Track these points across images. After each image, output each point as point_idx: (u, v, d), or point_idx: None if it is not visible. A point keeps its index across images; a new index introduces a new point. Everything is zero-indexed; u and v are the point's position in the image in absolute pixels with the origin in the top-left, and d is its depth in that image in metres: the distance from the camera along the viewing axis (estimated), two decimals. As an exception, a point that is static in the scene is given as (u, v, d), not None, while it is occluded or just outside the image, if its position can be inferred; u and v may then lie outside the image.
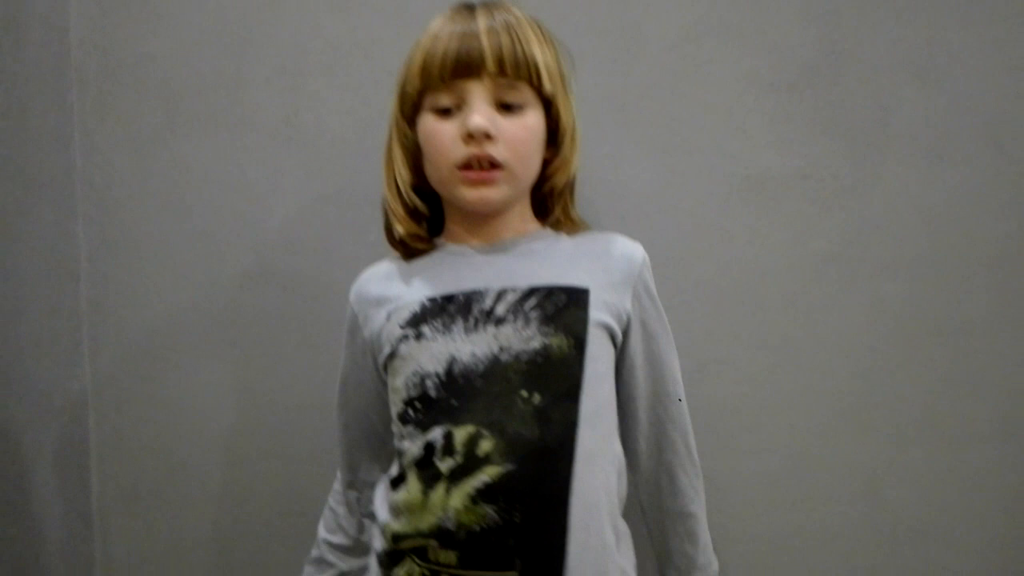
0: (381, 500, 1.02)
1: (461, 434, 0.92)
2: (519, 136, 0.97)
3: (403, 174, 1.04)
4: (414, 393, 0.97)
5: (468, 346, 0.95)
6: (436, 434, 0.94)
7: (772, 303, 1.28)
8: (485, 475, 0.90)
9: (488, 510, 0.90)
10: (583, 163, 1.24)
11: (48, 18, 1.31)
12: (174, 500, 1.37)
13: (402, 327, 0.99)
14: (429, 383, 0.96)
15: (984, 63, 1.25)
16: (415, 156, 1.04)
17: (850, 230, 1.27)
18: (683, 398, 1.07)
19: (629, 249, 1.04)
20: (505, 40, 0.94)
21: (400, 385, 0.98)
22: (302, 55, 1.32)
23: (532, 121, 0.98)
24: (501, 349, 0.94)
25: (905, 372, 1.27)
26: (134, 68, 1.34)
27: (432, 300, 0.99)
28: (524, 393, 0.93)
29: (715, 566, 1.09)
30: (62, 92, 1.33)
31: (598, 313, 0.97)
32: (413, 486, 0.94)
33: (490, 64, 0.94)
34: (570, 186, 1.07)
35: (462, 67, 0.95)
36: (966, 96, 1.25)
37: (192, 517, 1.38)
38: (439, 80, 0.96)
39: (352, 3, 1.31)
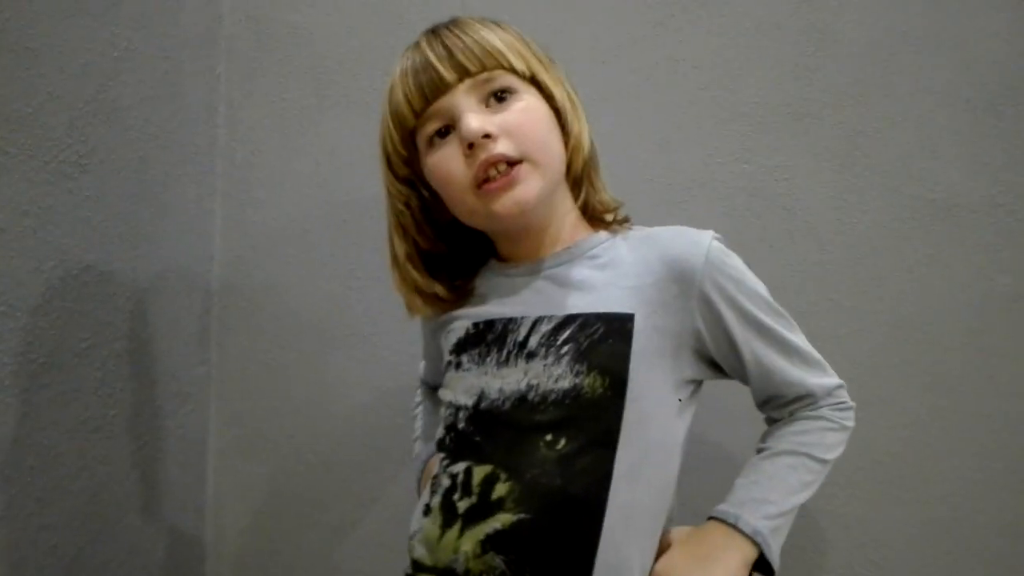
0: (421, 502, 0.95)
1: (479, 473, 0.85)
2: (521, 120, 0.86)
3: (409, 244, 0.95)
4: (448, 422, 0.91)
5: (498, 381, 0.88)
6: (460, 468, 0.87)
7: (949, 342, 1.18)
8: (497, 522, 0.82)
9: (497, 561, 0.81)
10: (753, 172, 1.20)
11: None
12: (289, 495, 1.33)
13: (450, 352, 0.94)
14: (461, 415, 0.90)
15: None
16: (428, 214, 0.95)
17: None
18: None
19: (687, 249, 0.88)
20: (453, 42, 0.87)
21: (442, 411, 0.94)
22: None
23: (530, 101, 0.88)
24: (529, 387, 0.86)
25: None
26: (285, 41, 1.31)
27: (476, 326, 0.92)
28: (548, 437, 0.83)
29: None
30: (211, 63, 1.30)
31: (647, 342, 0.85)
32: (435, 518, 0.87)
33: (451, 72, 0.86)
34: (590, 166, 0.95)
35: (429, 91, 0.87)
36: None
37: (303, 515, 1.33)
38: (414, 117, 0.88)
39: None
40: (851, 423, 0.92)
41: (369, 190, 1.20)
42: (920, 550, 1.18)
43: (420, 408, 1.15)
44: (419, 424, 1.13)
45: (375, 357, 1.29)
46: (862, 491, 1.18)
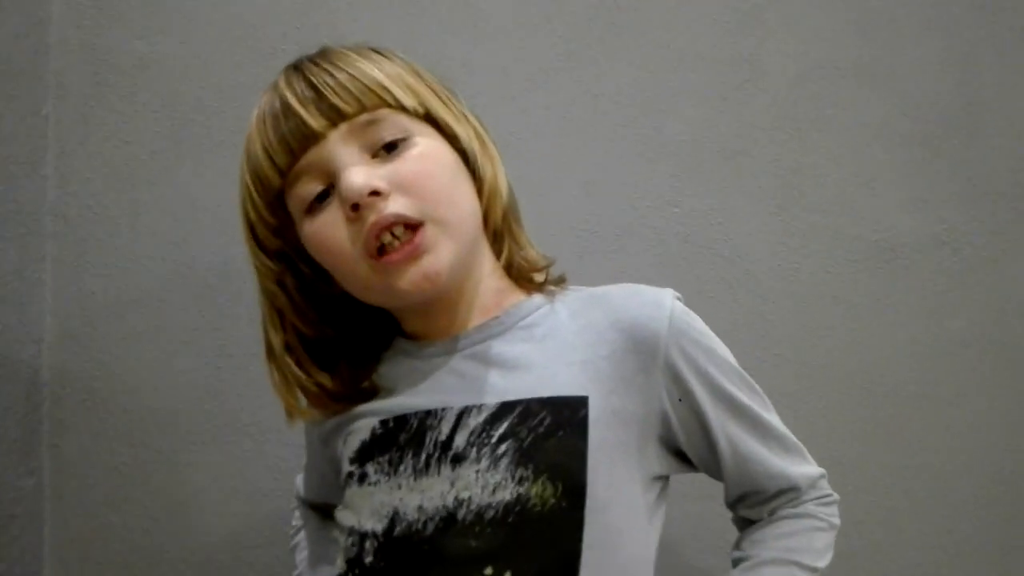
0: None
1: None
2: (415, 170, 0.70)
3: (288, 332, 0.77)
4: (350, 555, 0.74)
5: (416, 497, 0.71)
6: None
7: (901, 393, 1.14)
8: None
9: None
10: (685, 215, 1.14)
11: (25, 6, 1.12)
12: None
13: (351, 461, 0.76)
14: (368, 545, 0.72)
15: None
16: (309, 294, 0.78)
17: (992, 308, 1.14)
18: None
19: (646, 311, 0.74)
20: (322, 79, 0.71)
21: (342, 540, 0.76)
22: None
23: (426, 146, 0.72)
24: (459, 503, 0.69)
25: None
26: (130, 75, 1.16)
27: (384, 424, 0.75)
28: (489, 571, 0.67)
29: None
30: (36, 102, 1.14)
31: (607, 432, 0.71)
32: None
33: (319, 118, 0.70)
34: (511, 216, 0.80)
35: (294, 142, 0.70)
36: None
37: None
38: (279, 176, 0.72)
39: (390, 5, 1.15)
40: (838, 520, 0.79)
41: (241, 248, 1.03)
42: None
43: (300, 535, 0.93)
44: (300, 557, 0.92)
45: (257, 454, 1.12)
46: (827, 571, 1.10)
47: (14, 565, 1.09)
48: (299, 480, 0.93)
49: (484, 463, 0.69)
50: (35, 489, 1.13)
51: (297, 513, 0.95)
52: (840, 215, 1.14)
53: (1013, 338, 1.14)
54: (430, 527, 0.68)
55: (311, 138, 0.69)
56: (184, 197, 1.15)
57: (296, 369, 0.76)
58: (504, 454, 0.69)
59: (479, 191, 0.75)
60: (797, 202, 1.14)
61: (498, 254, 0.78)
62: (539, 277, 0.79)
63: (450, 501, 0.69)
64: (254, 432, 1.12)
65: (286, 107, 0.70)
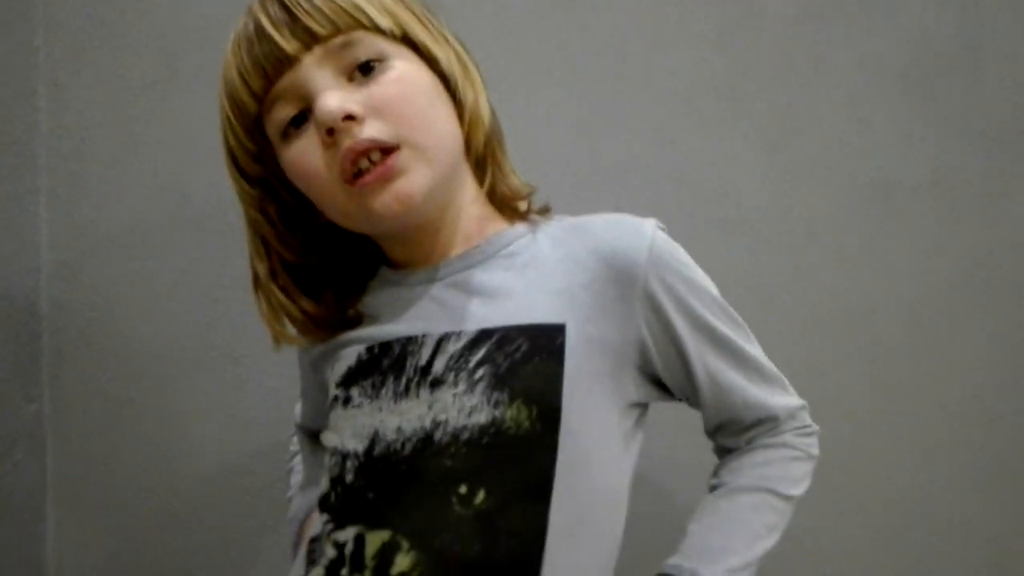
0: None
1: (374, 541, 0.70)
2: (391, 93, 0.70)
3: (273, 259, 0.78)
4: (334, 474, 0.75)
5: (395, 418, 0.72)
6: (349, 535, 0.72)
7: (891, 337, 1.14)
8: None
9: None
10: (680, 155, 1.14)
11: None
12: (142, 553, 1.17)
13: (337, 385, 0.78)
14: (349, 464, 0.74)
15: None
16: (292, 221, 0.79)
17: (985, 246, 1.15)
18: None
19: (627, 240, 0.74)
20: (296, 0, 0.70)
21: (327, 460, 0.78)
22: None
23: (403, 69, 0.72)
24: (435, 424, 0.71)
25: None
26: (122, 6, 1.14)
27: (371, 350, 0.76)
28: (463, 489, 0.69)
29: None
30: (27, 35, 1.14)
31: (583, 360, 0.72)
32: None
33: (292, 41, 0.69)
34: (494, 142, 0.80)
35: (269, 67, 0.70)
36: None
37: None
38: (255, 102, 0.72)
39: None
40: (816, 451, 0.80)
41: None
42: (868, 554, 1.14)
43: (296, 459, 0.96)
44: (295, 480, 0.95)
45: (248, 383, 1.14)
46: (807, 501, 1.10)
47: (17, 487, 1.13)
48: (297, 408, 0.95)
49: (461, 387, 0.70)
50: (36, 415, 1.15)
51: (295, 439, 0.97)
52: (834, 155, 1.14)
53: (1006, 278, 1.14)
54: (408, 447, 0.70)
55: (285, 62, 0.69)
56: (179, 129, 1.14)
57: (281, 296, 0.77)
58: (481, 379, 0.70)
59: (460, 116, 0.75)
60: (791, 141, 1.13)
61: (481, 181, 0.78)
62: (522, 206, 0.79)
63: (427, 423, 0.70)
64: (248, 362, 1.14)
65: (260, 30, 0.69)
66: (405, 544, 0.68)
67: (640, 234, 0.73)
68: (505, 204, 0.79)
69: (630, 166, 1.13)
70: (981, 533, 1.14)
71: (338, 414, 0.76)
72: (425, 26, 0.74)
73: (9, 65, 1.11)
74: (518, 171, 0.82)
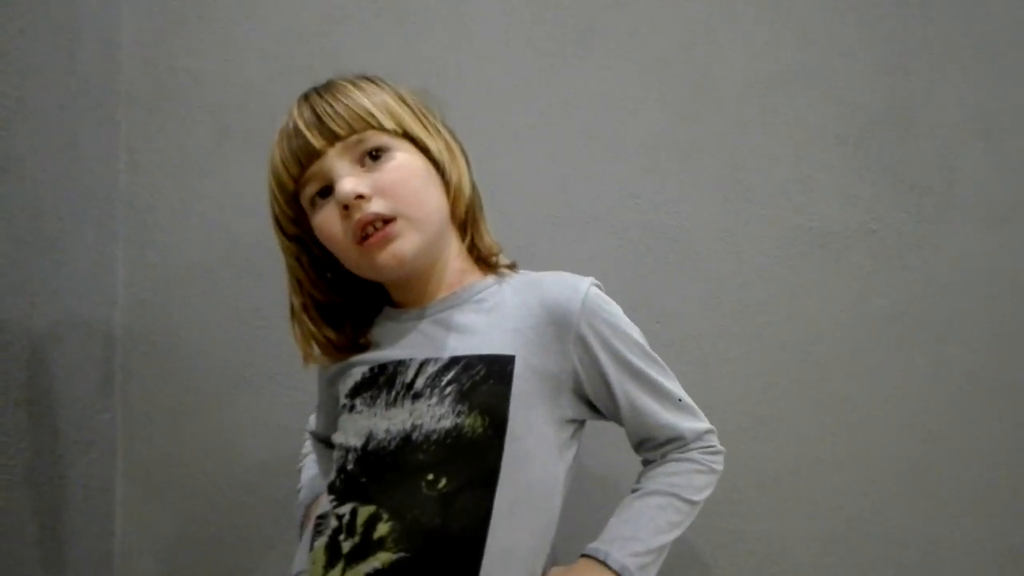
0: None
1: (363, 514, 0.87)
2: (393, 178, 0.89)
3: (305, 296, 0.97)
4: (339, 464, 0.93)
5: (385, 422, 0.90)
6: (346, 510, 0.89)
7: (832, 361, 1.23)
8: (377, 561, 0.84)
9: None
10: (645, 206, 1.24)
11: (101, 33, 1.28)
12: (199, 541, 1.31)
13: (345, 396, 0.96)
14: (351, 456, 0.91)
15: (1053, 126, 1.23)
16: (320, 269, 0.98)
17: (914, 289, 1.24)
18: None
19: (565, 293, 0.91)
20: (323, 108, 0.89)
21: (335, 454, 0.95)
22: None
23: (403, 159, 0.90)
24: (414, 427, 0.88)
25: (969, 437, 1.22)
26: (183, 87, 1.31)
27: (372, 370, 0.94)
28: (430, 477, 0.86)
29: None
30: (110, 110, 1.30)
31: (527, 384, 0.88)
32: (320, 558, 0.89)
33: (319, 139, 0.88)
34: (473, 211, 0.98)
35: (303, 157, 0.89)
36: (1034, 158, 1.22)
37: (214, 561, 1.31)
38: (292, 182, 0.91)
39: (409, 22, 1.29)
40: (720, 467, 0.95)
41: (270, 232, 1.22)
42: (817, 562, 1.22)
43: (307, 459, 1.14)
44: (305, 475, 1.13)
45: (283, 396, 1.29)
46: (759, 507, 1.22)
47: (93, 481, 1.27)
48: (312, 418, 1.13)
49: (434, 400, 0.88)
50: (109, 422, 1.30)
51: (308, 443, 1.15)
52: (780, 207, 1.24)
53: (931, 316, 1.22)
54: (393, 444, 0.88)
55: (314, 154, 0.89)
56: (229, 188, 1.29)
57: (311, 325, 0.97)
58: (449, 394, 0.88)
59: (447, 191, 0.94)
60: (743, 195, 1.24)
61: (463, 239, 0.97)
62: (493, 260, 0.98)
63: (408, 426, 0.88)
64: (281, 379, 1.28)
65: (296, 130, 0.89)
66: (385, 516, 0.85)
67: (576, 289, 0.92)
68: (481, 258, 0.98)
69: (601, 216, 1.25)
70: (916, 536, 1.21)
71: (345, 418, 0.95)
72: (422, 122, 0.93)
73: (95, 136, 1.27)
74: (508, 219, 0.99)
